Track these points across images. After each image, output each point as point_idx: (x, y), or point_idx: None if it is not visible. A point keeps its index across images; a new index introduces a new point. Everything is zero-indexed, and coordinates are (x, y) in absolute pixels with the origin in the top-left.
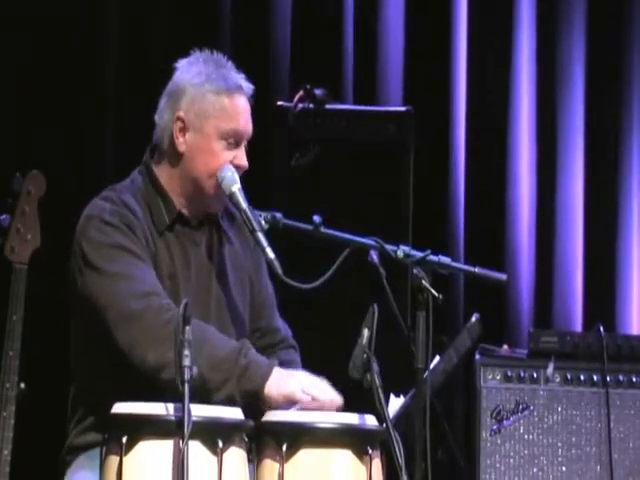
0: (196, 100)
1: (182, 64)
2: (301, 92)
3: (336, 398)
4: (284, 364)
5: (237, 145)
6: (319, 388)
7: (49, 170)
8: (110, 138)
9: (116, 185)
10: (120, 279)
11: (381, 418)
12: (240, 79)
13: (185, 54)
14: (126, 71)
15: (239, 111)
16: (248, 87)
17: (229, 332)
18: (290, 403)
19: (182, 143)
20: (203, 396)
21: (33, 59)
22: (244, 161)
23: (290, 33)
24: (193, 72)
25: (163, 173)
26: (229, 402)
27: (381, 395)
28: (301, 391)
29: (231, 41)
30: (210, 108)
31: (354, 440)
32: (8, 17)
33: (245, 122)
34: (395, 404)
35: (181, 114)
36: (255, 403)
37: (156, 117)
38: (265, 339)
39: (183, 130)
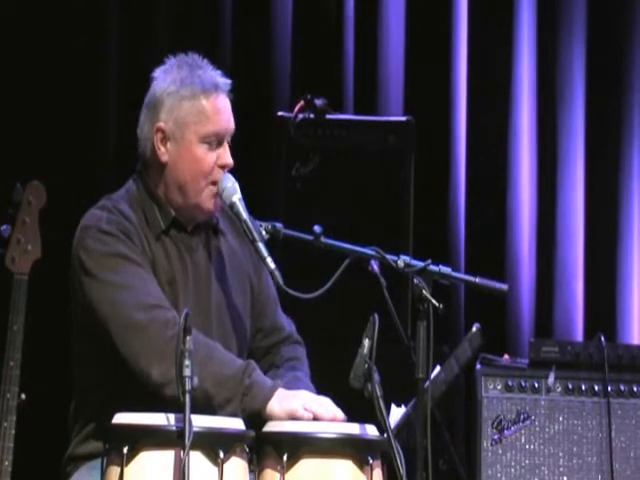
0: (174, 109)
1: (158, 73)
2: (301, 102)
3: (338, 416)
4: (289, 361)
5: (219, 145)
6: (321, 406)
7: (49, 180)
8: (111, 148)
9: (112, 195)
10: (123, 289)
11: (382, 428)
12: (216, 77)
13: None
14: (127, 82)
15: (217, 111)
16: (225, 83)
17: (230, 337)
18: (292, 420)
19: (164, 153)
20: (207, 412)
21: (34, 68)
22: (228, 159)
23: (290, 43)
24: (168, 80)
25: (153, 182)
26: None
27: (382, 405)
28: (303, 408)
29: (232, 52)
30: (188, 114)
31: (355, 450)
32: (8, 19)
33: (225, 121)
34: (396, 414)
35: (160, 125)
36: (258, 421)
37: (138, 130)
38: (270, 338)
39: (164, 140)
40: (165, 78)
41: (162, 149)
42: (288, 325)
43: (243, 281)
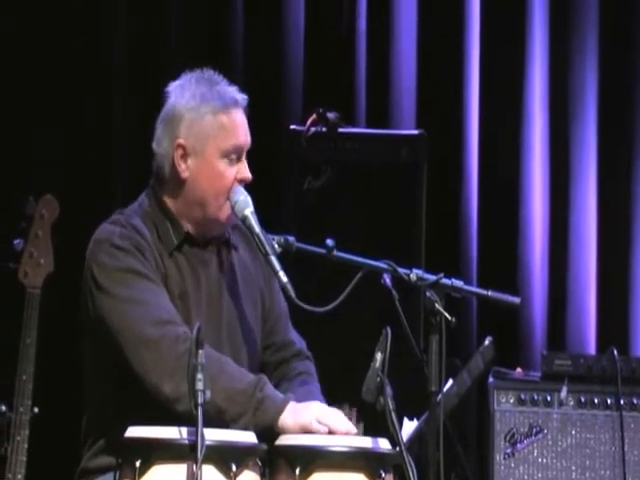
0: (194, 124)
1: (174, 88)
2: (314, 115)
3: (351, 429)
4: (300, 375)
5: (238, 159)
6: (334, 419)
7: (62, 194)
8: (124, 161)
9: (124, 209)
10: (134, 304)
11: (394, 441)
12: (234, 92)
13: None
14: (138, 96)
15: (237, 126)
16: (243, 99)
17: (241, 351)
18: (306, 434)
19: (185, 170)
20: (220, 426)
21: (46, 82)
22: (247, 174)
23: (303, 57)
24: (187, 96)
25: (168, 197)
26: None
27: (394, 418)
28: (317, 421)
29: (244, 65)
30: (209, 129)
31: (367, 463)
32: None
33: (244, 135)
34: (408, 427)
35: (181, 141)
36: (271, 435)
37: (154, 145)
38: (280, 353)
39: (185, 157)
40: (183, 94)
41: (183, 166)
42: (299, 341)
43: (254, 295)
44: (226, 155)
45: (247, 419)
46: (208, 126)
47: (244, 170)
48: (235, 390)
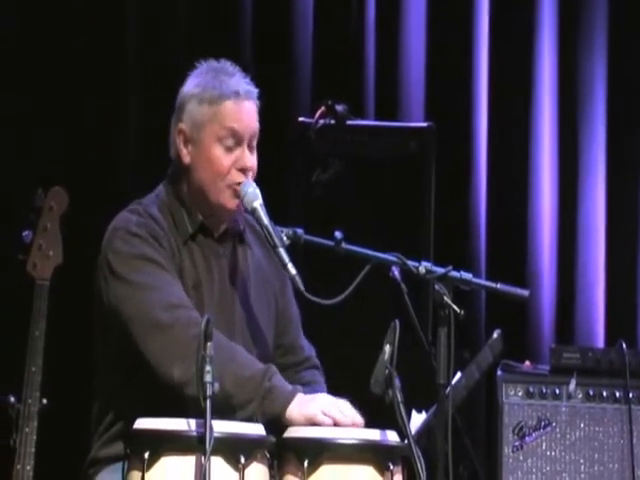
0: (193, 112)
1: (190, 76)
2: (322, 108)
3: (358, 420)
4: (308, 385)
5: (237, 145)
6: (341, 410)
7: (72, 186)
8: (132, 154)
9: (142, 199)
10: (147, 289)
11: (403, 434)
12: (241, 84)
13: None
14: (147, 88)
15: (234, 113)
16: (248, 91)
17: (252, 347)
18: (312, 426)
19: (186, 155)
20: (226, 413)
21: (54, 75)
22: (247, 162)
23: (312, 49)
24: (193, 84)
25: (181, 186)
26: (251, 421)
27: (403, 411)
28: (322, 413)
29: (252, 57)
30: (205, 118)
31: (375, 456)
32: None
33: (243, 122)
34: (417, 420)
35: (182, 126)
36: (277, 426)
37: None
38: (288, 357)
39: (186, 142)
40: (192, 81)
41: (184, 151)
42: (308, 349)
43: (268, 294)
44: (221, 140)
45: (254, 406)
46: (204, 114)
47: (245, 158)
48: (244, 377)
